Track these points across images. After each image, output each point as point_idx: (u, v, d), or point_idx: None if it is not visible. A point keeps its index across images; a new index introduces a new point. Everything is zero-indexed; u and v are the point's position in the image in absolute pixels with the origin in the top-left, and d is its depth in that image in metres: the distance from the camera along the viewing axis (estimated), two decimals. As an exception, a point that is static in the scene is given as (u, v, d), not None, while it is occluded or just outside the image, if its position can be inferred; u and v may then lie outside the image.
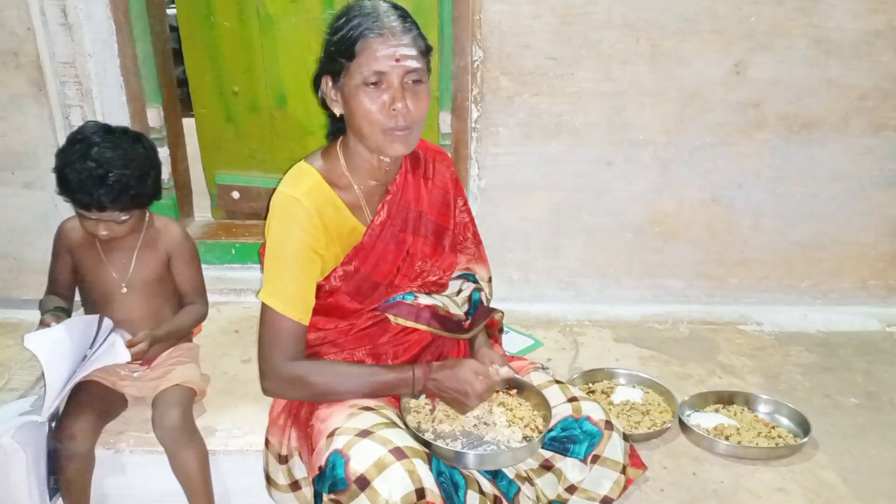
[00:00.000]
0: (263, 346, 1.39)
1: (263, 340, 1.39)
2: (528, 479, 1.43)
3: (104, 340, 1.68)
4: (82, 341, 1.65)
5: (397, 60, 1.27)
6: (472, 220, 1.66)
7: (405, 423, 1.36)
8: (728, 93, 2.33)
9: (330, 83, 1.35)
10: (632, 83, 2.32)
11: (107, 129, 1.66)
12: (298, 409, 1.46)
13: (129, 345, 1.67)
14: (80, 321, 1.66)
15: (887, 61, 2.29)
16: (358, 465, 1.20)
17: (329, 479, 1.22)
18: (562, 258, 2.57)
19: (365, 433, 1.25)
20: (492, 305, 1.70)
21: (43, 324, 1.67)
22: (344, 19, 1.30)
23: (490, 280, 1.72)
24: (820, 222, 2.50)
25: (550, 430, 1.42)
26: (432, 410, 1.44)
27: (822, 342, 2.41)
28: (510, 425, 1.40)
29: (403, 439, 1.26)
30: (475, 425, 1.40)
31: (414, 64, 1.29)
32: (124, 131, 1.69)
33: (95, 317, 1.70)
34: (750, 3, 2.22)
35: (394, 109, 1.28)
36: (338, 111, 1.37)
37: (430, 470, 1.23)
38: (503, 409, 1.45)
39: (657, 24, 2.25)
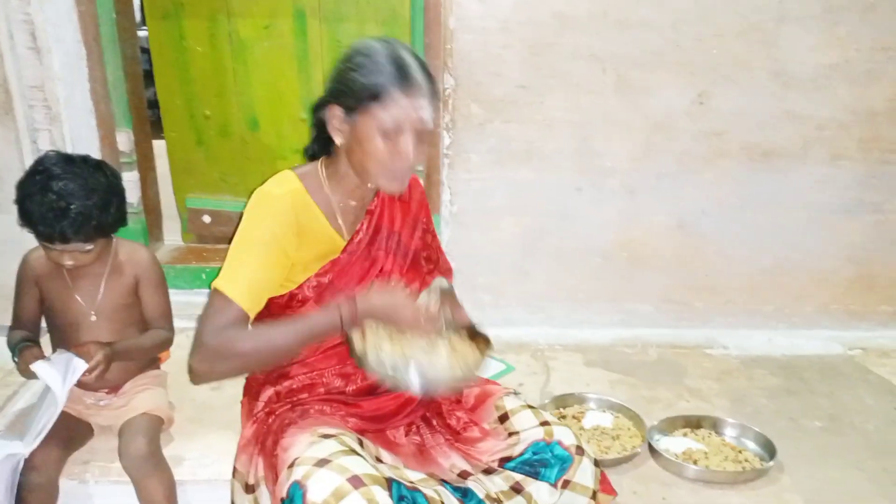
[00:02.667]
0: (202, 326, 1.33)
1: (203, 322, 1.34)
2: (499, 502, 1.43)
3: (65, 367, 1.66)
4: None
5: (418, 116, 1.31)
6: (438, 244, 1.70)
7: (352, 349, 1.34)
8: (692, 122, 2.40)
9: (340, 113, 1.35)
10: (599, 112, 2.38)
11: (67, 159, 1.63)
12: (265, 438, 1.44)
13: (85, 356, 1.64)
14: (62, 357, 1.64)
15: (843, 94, 2.38)
16: (315, 495, 1.18)
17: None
18: (531, 282, 2.59)
19: (323, 462, 1.23)
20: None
21: (31, 356, 1.64)
22: (368, 59, 1.31)
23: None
24: (783, 248, 2.58)
25: (522, 454, 1.43)
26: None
27: (786, 365, 2.46)
28: (449, 360, 1.38)
29: (362, 467, 1.24)
30: (420, 350, 1.37)
31: (429, 119, 1.34)
32: (84, 160, 1.66)
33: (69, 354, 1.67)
34: (713, 37, 2.30)
35: (405, 157, 1.33)
36: (339, 140, 1.38)
37: (391, 496, 1.22)
38: (446, 344, 1.42)
39: (623, 56, 2.31)
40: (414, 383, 1.30)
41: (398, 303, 1.36)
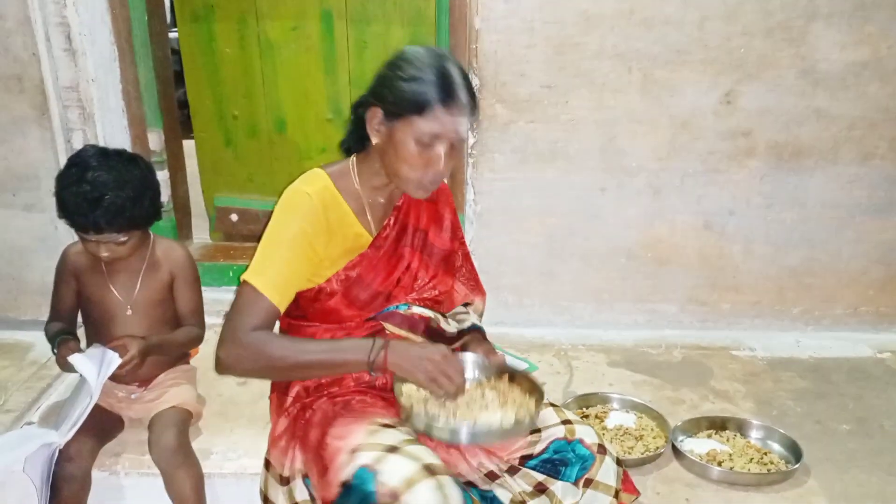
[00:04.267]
0: (231, 316, 1.38)
1: (233, 313, 1.38)
2: (523, 503, 1.44)
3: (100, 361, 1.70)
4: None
5: (455, 132, 1.35)
6: (467, 252, 1.71)
7: (400, 406, 1.36)
8: (718, 121, 2.38)
9: (381, 115, 1.38)
10: (624, 111, 2.37)
11: (103, 153, 1.68)
12: (305, 432, 1.46)
13: (121, 350, 1.68)
14: (97, 350, 1.69)
15: (873, 92, 2.34)
16: (388, 479, 1.21)
17: (358, 494, 1.23)
18: (556, 282, 2.59)
19: (392, 448, 1.26)
20: (485, 331, 1.72)
21: (68, 349, 1.69)
22: (420, 72, 1.34)
23: (481, 315, 1.75)
24: (811, 249, 2.54)
25: (543, 452, 1.44)
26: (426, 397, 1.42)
27: (813, 368, 2.43)
28: (503, 408, 1.41)
29: (431, 456, 1.27)
30: (468, 405, 1.40)
31: (465, 134, 1.39)
32: (119, 153, 1.71)
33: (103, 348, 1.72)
34: (739, 35, 2.28)
35: (437, 167, 1.36)
36: (375, 140, 1.41)
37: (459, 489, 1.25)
38: (495, 393, 1.46)
39: (649, 55, 2.30)
40: (465, 440, 1.32)
41: (429, 363, 1.35)
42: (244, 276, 1.39)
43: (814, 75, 2.33)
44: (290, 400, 1.53)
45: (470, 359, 1.54)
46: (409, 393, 1.42)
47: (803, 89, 2.34)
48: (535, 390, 1.46)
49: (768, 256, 2.55)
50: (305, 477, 1.43)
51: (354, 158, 1.51)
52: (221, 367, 1.39)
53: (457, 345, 1.59)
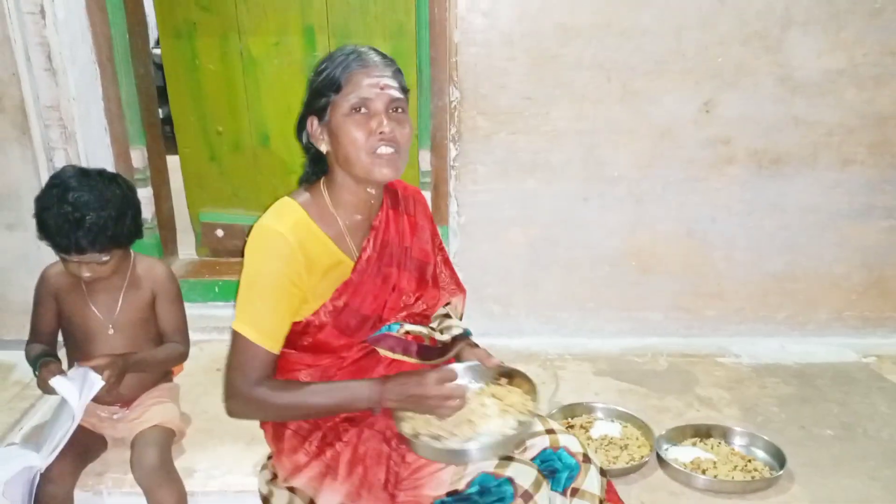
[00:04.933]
0: (230, 369, 1.41)
1: (231, 365, 1.41)
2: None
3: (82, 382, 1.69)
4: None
5: (381, 88, 1.36)
6: (446, 256, 1.71)
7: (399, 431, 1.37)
8: (698, 130, 2.40)
9: (316, 122, 1.40)
10: (605, 121, 2.39)
11: (83, 173, 1.67)
12: (350, 469, 1.44)
13: (99, 368, 1.66)
14: (79, 371, 1.68)
15: (850, 98, 2.36)
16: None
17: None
18: (541, 292, 2.60)
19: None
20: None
21: (49, 371, 1.68)
22: (328, 61, 1.39)
23: (461, 316, 1.75)
24: (793, 254, 2.56)
25: (534, 457, 1.44)
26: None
27: (798, 373, 2.43)
28: (503, 414, 1.41)
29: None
30: (469, 420, 1.39)
31: (397, 94, 1.38)
32: (99, 173, 1.70)
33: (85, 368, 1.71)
34: (716, 44, 2.30)
35: (381, 133, 1.35)
36: (324, 148, 1.41)
37: None
38: (494, 399, 1.46)
39: (627, 65, 2.32)
40: (474, 456, 1.32)
41: (422, 392, 1.37)
42: (235, 326, 1.39)
43: (791, 82, 2.35)
44: (288, 432, 1.51)
45: (462, 369, 1.53)
46: (409, 416, 1.42)
47: (781, 96, 2.36)
48: (533, 388, 1.47)
49: (751, 263, 2.56)
50: None
51: (322, 182, 1.48)
52: (232, 415, 1.45)
53: (450, 355, 1.58)
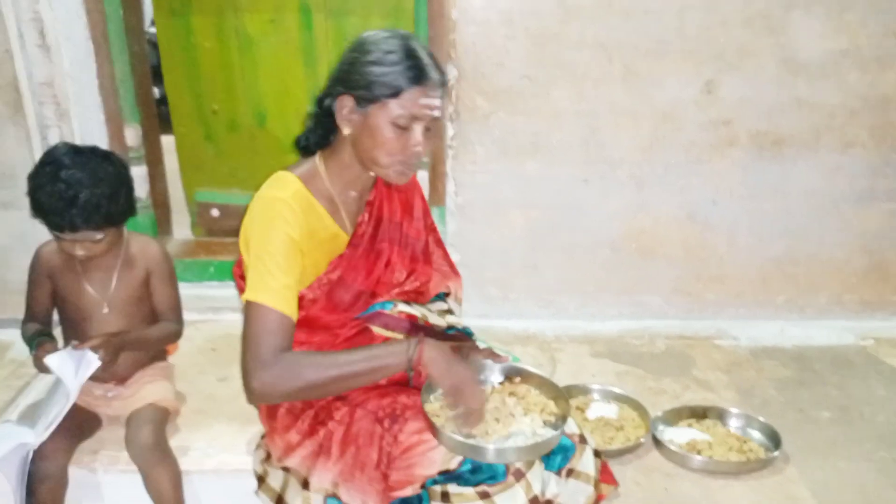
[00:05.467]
0: (250, 343, 1.30)
1: (250, 337, 1.31)
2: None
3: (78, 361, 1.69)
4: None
5: (431, 110, 1.34)
6: (438, 238, 1.69)
7: (427, 418, 1.35)
8: (700, 112, 2.37)
9: (352, 104, 1.35)
10: (606, 103, 2.36)
11: (76, 150, 1.65)
12: (343, 448, 1.43)
13: (92, 347, 1.66)
14: (75, 351, 1.67)
15: (853, 80, 2.34)
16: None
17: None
18: (540, 275, 2.59)
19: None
20: (467, 323, 1.72)
21: (44, 350, 1.67)
22: (389, 54, 1.31)
23: (461, 302, 1.75)
24: (794, 238, 2.54)
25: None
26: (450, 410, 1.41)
27: (797, 356, 2.43)
28: (527, 413, 1.41)
29: None
30: (497, 419, 1.39)
31: (439, 113, 1.37)
32: (92, 150, 1.68)
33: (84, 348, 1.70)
34: (718, 25, 2.27)
35: (415, 150, 1.35)
36: (347, 130, 1.38)
37: None
38: (515, 398, 1.46)
39: (629, 45, 2.30)
40: (490, 457, 1.31)
41: (467, 380, 1.36)
42: (248, 297, 1.33)
43: (793, 64, 2.32)
44: (282, 411, 1.51)
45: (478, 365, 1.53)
46: (433, 412, 1.40)
47: (783, 79, 2.34)
48: (551, 387, 1.47)
49: (752, 246, 2.55)
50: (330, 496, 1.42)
51: (320, 156, 1.46)
52: (255, 396, 1.32)
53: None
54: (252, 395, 1.31)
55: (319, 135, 1.46)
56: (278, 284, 1.33)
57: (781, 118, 2.39)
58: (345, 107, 1.35)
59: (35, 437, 1.60)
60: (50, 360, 1.63)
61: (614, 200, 2.49)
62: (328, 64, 2.64)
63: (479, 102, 2.35)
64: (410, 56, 1.31)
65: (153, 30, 2.83)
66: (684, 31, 2.28)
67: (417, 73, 1.31)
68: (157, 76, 2.79)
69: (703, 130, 2.40)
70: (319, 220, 1.42)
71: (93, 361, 1.63)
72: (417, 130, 1.34)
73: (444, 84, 1.37)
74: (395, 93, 1.30)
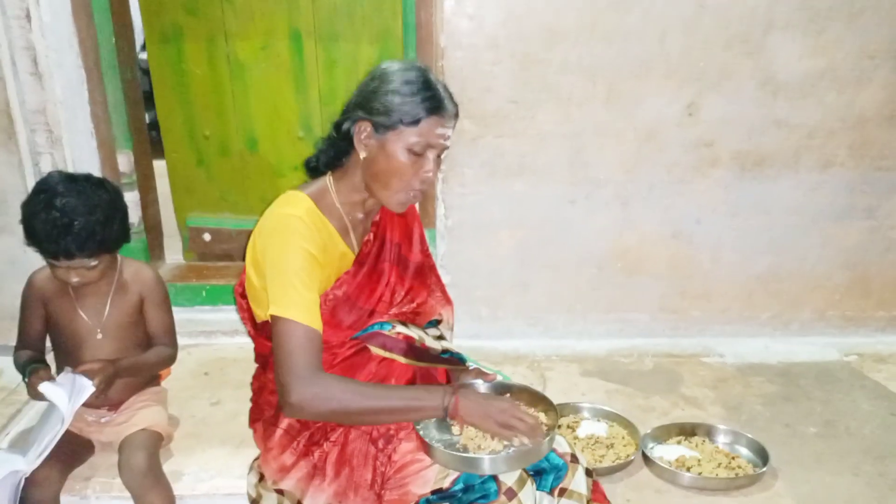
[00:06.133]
0: (285, 359, 1.34)
1: (285, 355, 1.34)
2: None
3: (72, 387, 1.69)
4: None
5: (445, 139, 1.41)
6: (433, 264, 1.73)
7: (419, 437, 1.38)
8: (682, 132, 2.43)
9: (370, 129, 1.41)
10: (590, 124, 2.41)
11: (69, 178, 1.67)
12: (339, 470, 1.45)
13: (89, 374, 1.66)
14: (68, 377, 1.68)
15: (831, 100, 2.40)
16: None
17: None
18: (529, 294, 2.62)
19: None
20: (459, 345, 1.74)
21: (38, 377, 1.67)
22: (408, 85, 1.38)
23: (452, 328, 1.78)
24: (777, 255, 2.59)
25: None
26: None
27: (782, 372, 2.47)
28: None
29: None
30: (482, 434, 1.42)
31: (450, 143, 1.44)
32: (86, 178, 1.70)
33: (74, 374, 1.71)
34: (699, 48, 2.33)
35: (426, 178, 1.41)
36: (363, 154, 1.44)
37: None
38: None
39: (612, 68, 2.35)
40: (486, 468, 1.33)
41: (507, 413, 1.39)
42: (275, 312, 1.36)
43: (773, 85, 2.38)
44: (279, 431, 1.52)
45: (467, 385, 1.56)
46: (426, 428, 1.43)
47: (763, 99, 2.40)
48: (539, 399, 1.50)
49: (736, 263, 2.59)
50: None
51: (330, 177, 1.52)
52: (294, 410, 1.36)
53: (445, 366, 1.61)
54: (290, 409, 1.35)
55: (331, 156, 1.51)
56: (303, 299, 1.36)
57: (762, 138, 2.44)
58: (363, 132, 1.42)
59: (27, 464, 1.60)
60: (44, 387, 1.63)
61: (600, 219, 2.53)
62: (319, 89, 2.68)
63: (467, 126, 2.39)
64: (428, 87, 1.39)
65: (144, 56, 2.85)
66: (666, 53, 2.34)
67: (434, 104, 1.38)
68: (148, 101, 2.82)
69: (686, 150, 2.45)
70: (330, 237, 1.47)
71: (87, 388, 1.64)
72: (430, 158, 1.40)
73: (457, 116, 1.44)
74: (414, 121, 1.37)
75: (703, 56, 2.34)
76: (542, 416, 1.47)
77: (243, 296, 1.54)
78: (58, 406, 1.62)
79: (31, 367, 1.72)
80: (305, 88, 2.69)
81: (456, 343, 1.74)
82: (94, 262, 1.68)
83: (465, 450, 1.37)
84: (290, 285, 1.37)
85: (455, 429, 1.43)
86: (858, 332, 2.69)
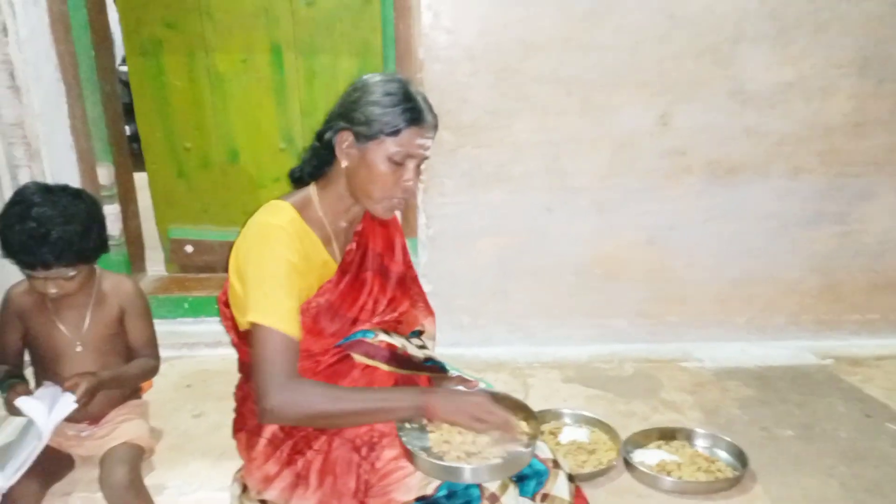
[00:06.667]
0: (262, 365, 1.36)
1: (261, 361, 1.36)
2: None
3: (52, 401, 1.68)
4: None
5: (424, 150, 1.44)
6: (415, 275, 1.75)
7: (402, 444, 1.38)
8: (655, 141, 2.47)
9: (351, 139, 1.43)
10: (566, 133, 2.45)
11: (46, 189, 1.67)
12: (323, 476, 1.45)
13: (70, 388, 1.65)
14: (47, 391, 1.67)
15: (799, 109, 2.46)
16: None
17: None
18: (509, 301, 2.64)
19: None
20: (440, 353, 1.76)
21: (15, 392, 1.66)
22: (389, 96, 1.40)
23: (433, 338, 1.79)
24: (750, 260, 2.64)
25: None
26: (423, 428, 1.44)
27: (759, 376, 2.50)
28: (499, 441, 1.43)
29: None
30: (472, 441, 1.42)
31: (429, 153, 1.47)
32: (63, 189, 1.70)
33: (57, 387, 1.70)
34: (670, 58, 2.38)
35: (406, 187, 1.44)
36: (345, 163, 1.46)
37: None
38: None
39: (587, 79, 2.40)
40: (467, 477, 1.33)
41: (479, 405, 1.40)
42: (254, 319, 1.38)
43: (743, 95, 2.44)
44: (263, 441, 1.52)
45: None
46: (409, 429, 1.43)
47: (734, 109, 2.45)
48: (521, 408, 1.50)
49: (711, 269, 2.64)
50: None
51: (314, 186, 1.53)
52: (269, 416, 1.38)
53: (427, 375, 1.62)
54: (265, 415, 1.37)
55: (314, 166, 1.53)
56: (282, 307, 1.38)
57: (733, 146, 2.50)
58: (345, 141, 1.44)
59: (4, 479, 1.57)
60: (21, 402, 1.62)
61: (578, 226, 2.57)
62: (299, 101, 2.70)
63: (445, 137, 2.42)
64: (408, 99, 1.41)
65: (124, 68, 2.85)
66: (639, 64, 2.39)
67: (415, 115, 1.40)
68: (128, 114, 2.82)
69: (660, 159, 2.50)
70: (313, 246, 1.48)
71: (69, 402, 1.63)
72: (410, 167, 1.43)
73: (436, 126, 1.46)
74: (394, 132, 1.39)
75: (674, 67, 2.40)
76: (524, 425, 1.49)
77: (227, 304, 1.55)
78: (35, 421, 1.61)
79: (9, 381, 1.71)
80: (286, 101, 2.71)
81: (438, 351, 1.75)
82: (72, 273, 1.68)
83: (441, 456, 1.37)
84: (269, 293, 1.39)
85: (431, 435, 1.44)
86: (833, 336, 2.73)
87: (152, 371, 1.89)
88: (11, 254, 1.64)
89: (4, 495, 1.58)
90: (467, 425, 1.41)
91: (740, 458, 1.97)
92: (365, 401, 1.42)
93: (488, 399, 1.45)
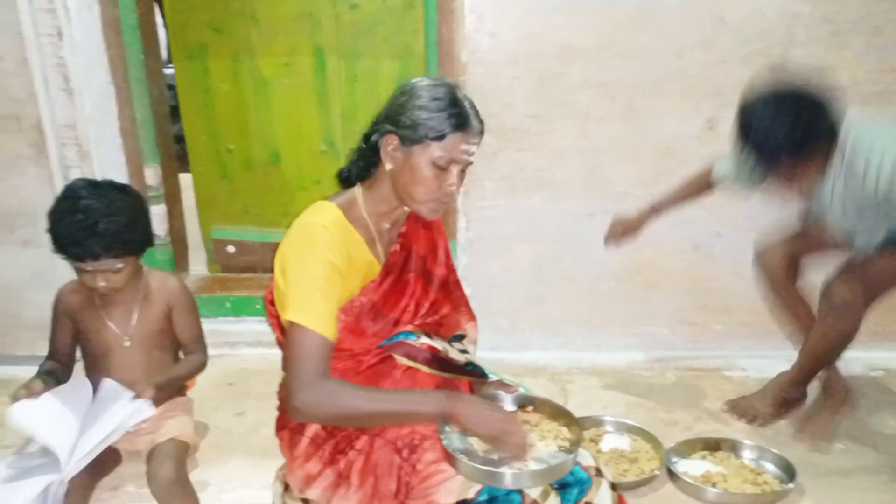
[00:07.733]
0: (294, 363, 1.37)
1: (294, 358, 1.38)
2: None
3: (114, 400, 1.70)
4: (76, 404, 1.67)
5: (469, 155, 1.44)
6: (457, 279, 1.75)
7: (444, 447, 1.38)
8: (702, 147, 2.43)
9: (396, 142, 1.44)
10: (608, 139, 2.43)
11: (92, 184, 1.73)
12: (363, 478, 1.45)
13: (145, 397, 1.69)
14: (68, 387, 1.70)
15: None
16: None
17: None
18: (547, 307, 2.62)
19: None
20: (479, 356, 1.75)
21: (26, 388, 1.67)
22: (436, 101, 1.40)
23: (475, 343, 1.79)
24: (798, 269, 2.57)
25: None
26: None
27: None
28: (541, 440, 1.44)
29: None
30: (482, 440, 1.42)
31: (474, 159, 1.47)
32: (109, 183, 1.75)
33: (84, 381, 1.74)
34: (715, 63, 2.34)
35: (449, 191, 1.44)
36: (389, 166, 1.46)
37: None
38: (528, 426, 1.48)
39: (630, 84, 2.37)
40: (508, 482, 1.33)
41: (503, 426, 1.39)
42: (290, 317, 1.39)
43: (794, 100, 2.38)
44: (305, 440, 1.53)
45: (492, 396, 1.57)
46: (448, 439, 1.43)
47: (783, 114, 2.39)
48: (562, 413, 1.50)
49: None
50: None
51: (360, 187, 1.54)
52: (297, 414, 1.39)
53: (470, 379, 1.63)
54: (294, 413, 1.39)
55: (361, 167, 1.54)
56: (320, 308, 1.39)
57: (783, 152, 2.44)
58: (390, 144, 1.45)
59: (65, 465, 1.57)
60: (15, 408, 1.60)
61: (620, 234, 2.53)
62: (341, 104, 2.73)
63: (487, 140, 2.36)
64: (455, 104, 1.41)
65: (169, 71, 2.91)
66: (683, 69, 2.35)
67: (460, 120, 1.40)
68: (174, 116, 2.87)
69: (705, 164, 2.45)
70: (356, 247, 1.49)
71: (145, 410, 1.66)
72: (454, 172, 1.43)
73: (482, 132, 1.46)
74: (439, 136, 1.39)
75: (721, 72, 2.36)
76: (566, 431, 1.47)
77: (272, 303, 1.56)
78: (31, 430, 1.59)
79: (32, 377, 1.73)
80: (327, 104, 2.74)
81: (477, 355, 1.75)
82: (119, 265, 1.71)
83: (486, 459, 1.37)
84: (307, 293, 1.40)
85: (472, 438, 1.43)
86: (883, 347, 2.65)
87: (201, 367, 1.93)
88: (61, 248, 1.68)
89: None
90: (485, 440, 1.40)
91: (788, 470, 1.92)
92: (391, 402, 1.41)
93: (514, 420, 1.43)
